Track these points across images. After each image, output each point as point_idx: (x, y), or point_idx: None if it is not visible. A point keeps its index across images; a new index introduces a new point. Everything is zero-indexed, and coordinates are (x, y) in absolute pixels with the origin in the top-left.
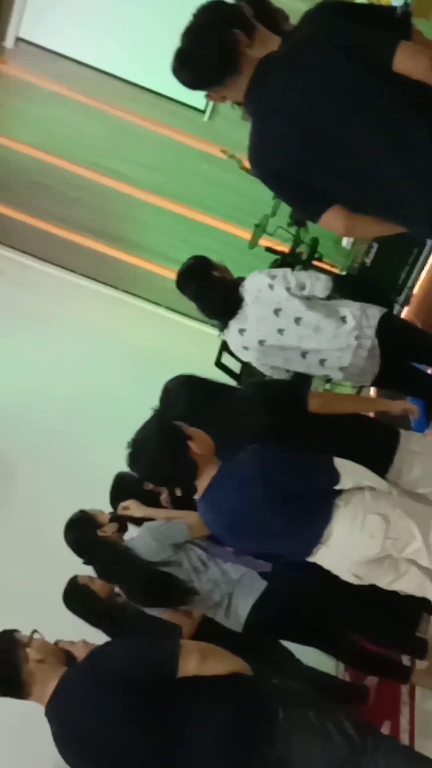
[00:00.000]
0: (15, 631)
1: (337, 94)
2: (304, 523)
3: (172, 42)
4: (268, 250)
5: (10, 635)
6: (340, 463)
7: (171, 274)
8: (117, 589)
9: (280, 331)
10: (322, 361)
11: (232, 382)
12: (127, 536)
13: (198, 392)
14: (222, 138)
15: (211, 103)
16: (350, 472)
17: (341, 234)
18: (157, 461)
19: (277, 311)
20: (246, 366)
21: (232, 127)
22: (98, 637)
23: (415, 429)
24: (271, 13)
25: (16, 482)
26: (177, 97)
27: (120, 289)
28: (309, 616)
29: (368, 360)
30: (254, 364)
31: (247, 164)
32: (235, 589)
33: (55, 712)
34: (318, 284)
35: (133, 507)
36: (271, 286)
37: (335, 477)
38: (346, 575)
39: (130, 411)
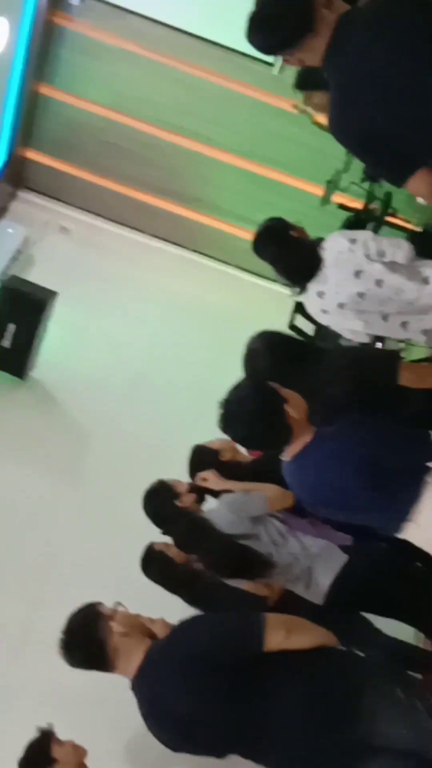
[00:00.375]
0: (98, 603)
1: (423, 51)
2: (392, 498)
3: None
4: (341, 207)
5: (93, 608)
6: None
7: (242, 233)
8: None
9: (361, 294)
10: (404, 324)
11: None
12: (205, 508)
13: (284, 357)
14: (293, 92)
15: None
16: None
17: (428, 199)
18: (252, 423)
19: (357, 273)
20: (320, 328)
21: None
22: (177, 610)
23: None
24: None
25: (91, 450)
26: (246, 51)
27: (190, 249)
28: (393, 590)
29: None
30: (333, 327)
31: (319, 119)
32: (315, 562)
33: (141, 687)
34: (399, 252)
35: (211, 479)
36: (351, 249)
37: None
38: None
39: (203, 375)
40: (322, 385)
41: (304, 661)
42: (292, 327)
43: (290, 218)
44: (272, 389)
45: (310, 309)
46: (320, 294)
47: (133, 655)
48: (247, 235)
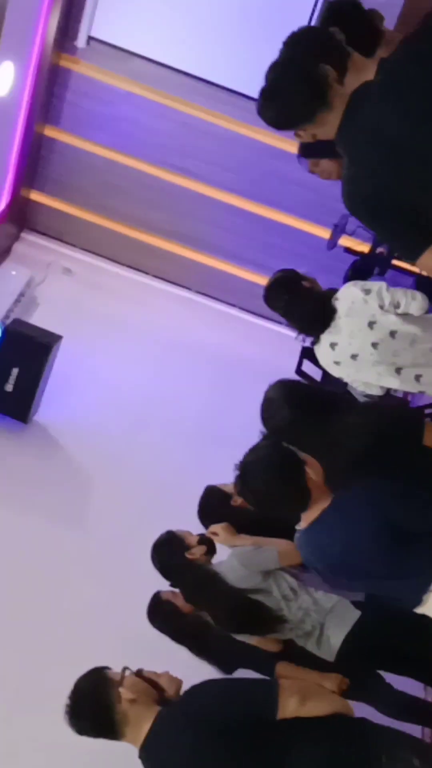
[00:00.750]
0: (106, 668)
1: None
2: (414, 565)
3: (242, 38)
4: (348, 250)
5: (101, 673)
6: None
7: (246, 275)
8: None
9: (374, 345)
10: (417, 377)
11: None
12: (215, 560)
13: (303, 408)
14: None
15: None
16: None
17: None
18: (270, 485)
19: (371, 324)
20: (328, 375)
21: None
22: (182, 663)
23: None
24: (366, 32)
25: (94, 495)
26: (250, 93)
27: (193, 290)
28: (406, 647)
29: None
30: (346, 380)
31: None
32: (327, 618)
33: (150, 755)
34: (414, 304)
35: (221, 533)
36: (365, 300)
37: None
38: None
39: (206, 417)
40: (344, 438)
41: (319, 728)
42: (300, 372)
43: (296, 261)
44: (291, 451)
45: (323, 360)
46: (333, 345)
47: (142, 722)
48: (252, 276)
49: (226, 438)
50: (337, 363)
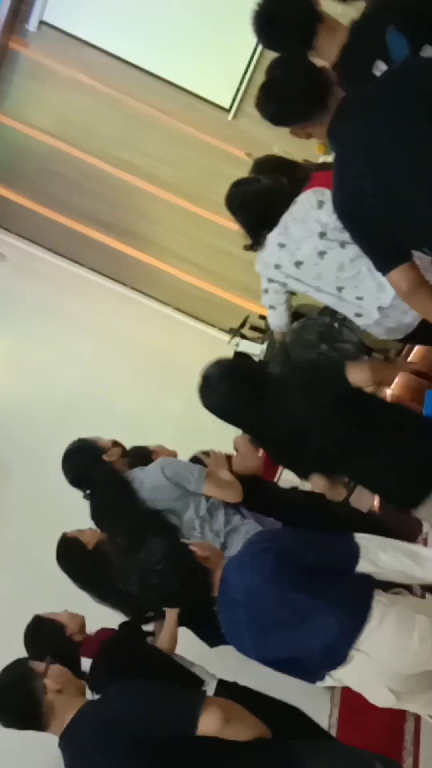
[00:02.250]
0: (28, 659)
1: (420, 132)
2: (335, 603)
3: (200, 36)
4: None
5: (25, 665)
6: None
7: (181, 274)
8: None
9: (321, 255)
10: (359, 299)
11: None
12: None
13: (241, 385)
14: (246, 139)
15: (236, 102)
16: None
17: (403, 295)
18: (168, 579)
19: (322, 234)
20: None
21: (257, 128)
22: None
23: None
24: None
25: (12, 485)
26: (201, 93)
27: (127, 286)
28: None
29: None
30: (273, 288)
31: None
32: (231, 536)
33: (68, 746)
34: None
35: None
36: (321, 204)
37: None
38: (378, 692)
39: (133, 413)
40: (284, 407)
41: (239, 752)
42: None
43: (233, 263)
44: (183, 545)
45: (263, 260)
46: (281, 246)
47: (66, 712)
48: (187, 276)
49: (151, 434)
50: (277, 266)
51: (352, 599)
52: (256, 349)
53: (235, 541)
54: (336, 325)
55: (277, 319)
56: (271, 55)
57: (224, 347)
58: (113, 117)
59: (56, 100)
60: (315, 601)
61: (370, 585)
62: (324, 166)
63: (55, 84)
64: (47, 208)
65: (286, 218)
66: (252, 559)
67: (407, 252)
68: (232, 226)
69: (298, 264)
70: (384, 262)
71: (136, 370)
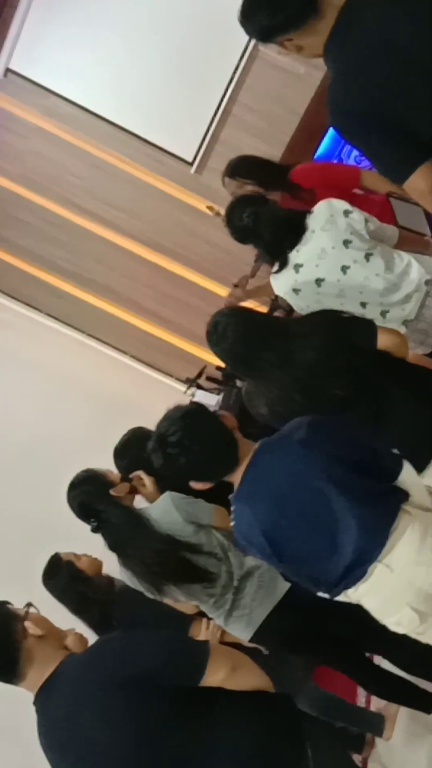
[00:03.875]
0: (6, 602)
1: None
2: (367, 510)
3: (164, 90)
4: None
5: (4, 607)
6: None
7: (142, 324)
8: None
9: (344, 269)
10: (384, 314)
11: None
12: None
13: (252, 329)
14: (208, 192)
15: (199, 156)
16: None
17: (424, 197)
18: (194, 446)
19: (346, 242)
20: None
21: (220, 183)
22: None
23: None
24: None
25: None
26: (165, 146)
27: (85, 333)
28: (336, 627)
29: None
30: (298, 308)
31: None
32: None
33: (47, 700)
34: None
35: (149, 484)
36: (347, 212)
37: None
38: (400, 612)
39: (87, 459)
40: (296, 350)
41: (243, 704)
42: None
43: (191, 314)
44: (200, 405)
45: (282, 288)
46: (297, 267)
47: (46, 663)
48: (148, 326)
49: None
50: (296, 291)
51: (385, 511)
52: (212, 400)
53: (248, 585)
54: None
55: None
56: (236, 112)
57: (180, 396)
58: (78, 166)
59: (20, 146)
60: (349, 504)
61: (403, 499)
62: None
63: (19, 130)
64: (8, 253)
65: (307, 234)
66: (299, 446)
67: (426, 148)
68: (191, 276)
69: (318, 281)
70: (402, 167)
71: (92, 417)
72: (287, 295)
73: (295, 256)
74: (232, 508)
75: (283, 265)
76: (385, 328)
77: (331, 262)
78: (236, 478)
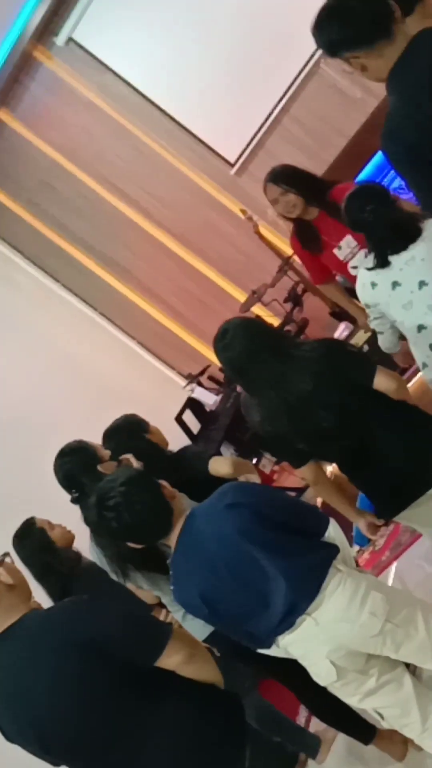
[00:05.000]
0: None
1: None
2: (296, 566)
3: (221, 89)
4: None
5: None
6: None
7: (154, 312)
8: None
9: (421, 285)
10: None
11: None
12: None
13: (259, 343)
14: (244, 196)
15: (242, 159)
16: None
17: None
18: (126, 514)
19: None
20: (206, 423)
21: (256, 189)
22: None
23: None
24: None
25: None
26: (210, 143)
27: (97, 311)
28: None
29: None
30: (373, 313)
31: (261, 230)
32: None
33: (0, 647)
34: None
35: (136, 465)
36: None
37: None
38: (320, 664)
39: (74, 434)
40: (292, 373)
41: (192, 694)
42: (179, 420)
43: (206, 313)
44: (150, 476)
45: (381, 286)
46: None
47: (10, 612)
48: (158, 315)
49: None
50: (373, 285)
51: (313, 565)
52: (209, 399)
53: None
54: None
55: (384, 342)
56: (285, 123)
57: (178, 391)
58: (121, 147)
59: (68, 117)
60: (276, 562)
61: (333, 554)
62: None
63: (70, 101)
64: (36, 219)
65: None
66: (226, 510)
67: None
68: (211, 275)
69: (394, 285)
70: None
71: (86, 394)
72: (364, 286)
73: (399, 259)
74: (170, 573)
75: (383, 264)
76: (384, 370)
77: (414, 271)
78: (171, 542)
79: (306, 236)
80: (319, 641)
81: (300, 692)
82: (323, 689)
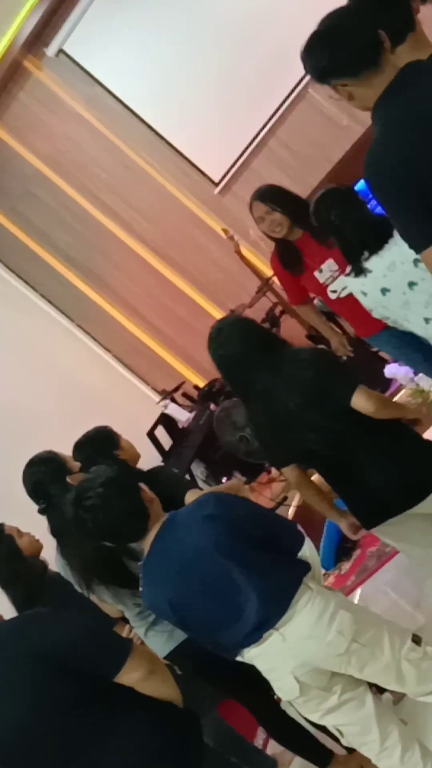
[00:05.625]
0: None
1: None
2: (268, 583)
3: (208, 107)
4: None
5: None
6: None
7: (130, 325)
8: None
9: (411, 285)
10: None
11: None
12: None
13: (253, 344)
14: (227, 215)
15: (226, 179)
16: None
17: None
18: (101, 515)
19: (417, 261)
20: (177, 439)
21: (239, 208)
22: None
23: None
24: None
25: None
26: (195, 161)
27: (75, 323)
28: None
29: None
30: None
31: (242, 250)
32: None
33: None
34: None
35: None
36: None
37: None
38: (284, 679)
39: (49, 443)
40: (286, 374)
41: (150, 711)
42: (151, 435)
43: (183, 330)
44: (132, 479)
45: (370, 285)
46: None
47: None
48: (135, 329)
49: None
50: (364, 294)
51: (284, 581)
52: (183, 416)
53: None
54: None
55: None
56: (272, 145)
57: (152, 406)
58: (106, 160)
59: (55, 127)
60: (249, 576)
61: (304, 571)
62: None
63: (58, 112)
64: (19, 229)
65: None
66: (203, 521)
67: None
68: (190, 292)
69: (384, 291)
70: (421, 236)
71: (60, 404)
72: (357, 295)
73: (367, 263)
74: (141, 575)
75: (359, 272)
76: (364, 391)
77: (398, 275)
78: (146, 544)
79: (288, 257)
80: (284, 657)
81: (259, 714)
82: (282, 711)
